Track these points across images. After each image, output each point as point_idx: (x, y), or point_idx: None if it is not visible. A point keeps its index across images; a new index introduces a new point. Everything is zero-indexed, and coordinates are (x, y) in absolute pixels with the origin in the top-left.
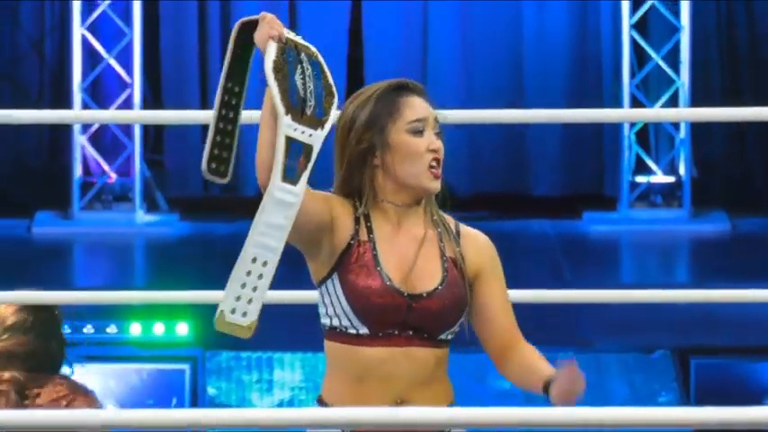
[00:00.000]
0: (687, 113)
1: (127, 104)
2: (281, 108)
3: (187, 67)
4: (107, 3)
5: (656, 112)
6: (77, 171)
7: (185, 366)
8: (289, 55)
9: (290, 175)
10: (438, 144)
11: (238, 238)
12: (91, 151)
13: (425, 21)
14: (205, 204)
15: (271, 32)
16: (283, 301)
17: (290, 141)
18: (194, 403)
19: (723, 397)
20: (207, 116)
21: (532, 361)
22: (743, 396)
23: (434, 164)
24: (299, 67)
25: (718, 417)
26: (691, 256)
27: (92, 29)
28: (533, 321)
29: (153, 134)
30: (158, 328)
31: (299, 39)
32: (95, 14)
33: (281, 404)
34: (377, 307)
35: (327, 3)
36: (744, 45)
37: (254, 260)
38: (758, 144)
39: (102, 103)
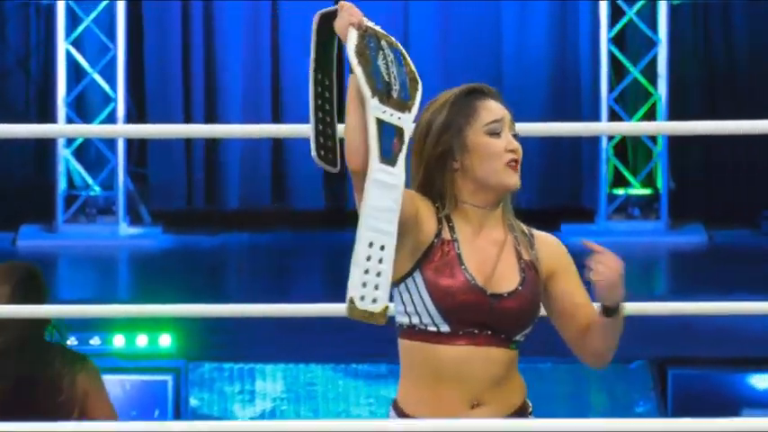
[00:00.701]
0: (665, 127)
1: (111, 119)
2: (367, 91)
3: (171, 82)
4: (91, 18)
5: (633, 126)
6: (62, 184)
7: (168, 378)
8: (370, 41)
9: (387, 156)
10: (516, 144)
11: (221, 251)
12: (75, 165)
13: (406, 34)
14: (188, 217)
15: (351, 20)
16: (266, 314)
17: (381, 123)
18: (177, 414)
19: (700, 407)
20: (190, 130)
21: (594, 320)
22: (720, 407)
23: (513, 163)
24: (381, 53)
25: (695, 427)
26: (668, 267)
27: (76, 44)
28: None
29: (137, 148)
30: (141, 340)
31: (378, 27)
32: (80, 30)
33: (262, 415)
34: (460, 304)
35: (310, 3)
36: (720, 58)
37: (370, 245)
38: (735, 157)
39: (87, 118)
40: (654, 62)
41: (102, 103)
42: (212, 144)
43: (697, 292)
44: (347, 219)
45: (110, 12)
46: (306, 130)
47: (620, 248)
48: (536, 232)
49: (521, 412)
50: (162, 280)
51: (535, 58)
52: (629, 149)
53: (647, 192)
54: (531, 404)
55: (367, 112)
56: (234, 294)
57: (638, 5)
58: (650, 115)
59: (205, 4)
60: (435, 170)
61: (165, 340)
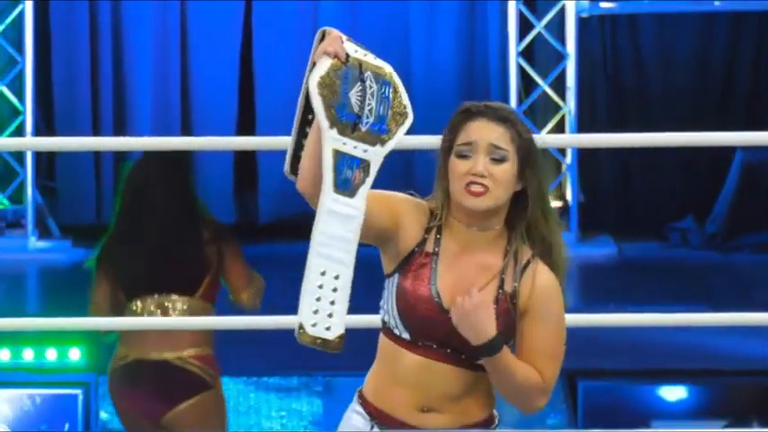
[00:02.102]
0: (573, 139)
1: (19, 131)
2: (324, 122)
3: (79, 94)
4: None
5: (542, 138)
6: None
7: (78, 391)
8: (347, 72)
9: (345, 187)
10: (479, 169)
11: None
12: None
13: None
14: (98, 231)
15: (327, 49)
16: (174, 326)
17: (339, 154)
18: (87, 428)
19: (610, 419)
20: (98, 143)
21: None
22: (629, 419)
23: (472, 186)
24: (359, 84)
25: None
26: (578, 280)
27: None
28: None
29: (45, 161)
30: (51, 354)
31: (369, 58)
32: None
33: None
34: (419, 318)
35: (217, 14)
36: (628, 72)
37: (323, 273)
38: (643, 170)
39: None
40: (563, 75)
41: (11, 116)
42: (121, 157)
43: (607, 303)
44: (259, 232)
45: (18, 25)
46: (210, 143)
47: None
48: (535, 266)
49: (483, 424)
50: (71, 293)
51: (443, 71)
52: None
53: (556, 204)
54: (498, 415)
55: (323, 143)
56: None
57: (546, 19)
58: (559, 128)
59: (113, 17)
60: (438, 179)
61: (75, 354)
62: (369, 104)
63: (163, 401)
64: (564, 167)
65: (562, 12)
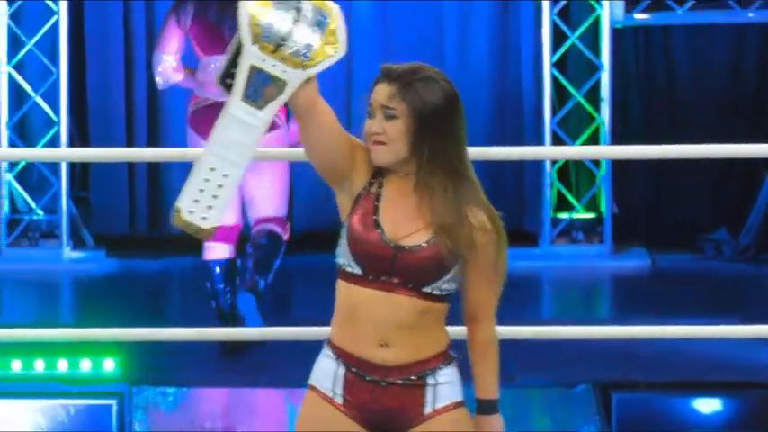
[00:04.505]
0: (608, 151)
1: (54, 142)
2: (246, 38)
3: (113, 106)
4: (33, 42)
5: (577, 150)
6: (4, 208)
7: (112, 401)
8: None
9: (253, 98)
10: (373, 128)
11: (165, 275)
12: (18, 189)
13: (350, 66)
14: (131, 241)
15: None
16: (210, 337)
17: (256, 69)
18: None
19: (644, 431)
20: (132, 154)
21: (477, 364)
22: (664, 430)
23: (374, 143)
24: (294, 11)
25: None
26: (612, 291)
27: (18, 68)
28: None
29: (79, 171)
30: (85, 365)
31: None
32: (22, 53)
33: None
34: (366, 251)
35: None
36: (662, 83)
37: (212, 169)
38: (676, 182)
39: (29, 141)
40: (597, 86)
41: (45, 127)
42: (155, 168)
43: (640, 315)
44: (290, 243)
45: (52, 35)
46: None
47: (564, 272)
48: (479, 207)
49: (437, 359)
50: (105, 304)
51: (477, 82)
52: (572, 173)
53: (590, 216)
54: (454, 356)
55: (242, 56)
56: (178, 318)
57: (580, 30)
58: (593, 139)
59: (148, 28)
60: None
61: (109, 365)
62: (299, 31)
63: None
64: (598, 179)
65: (596, 23)
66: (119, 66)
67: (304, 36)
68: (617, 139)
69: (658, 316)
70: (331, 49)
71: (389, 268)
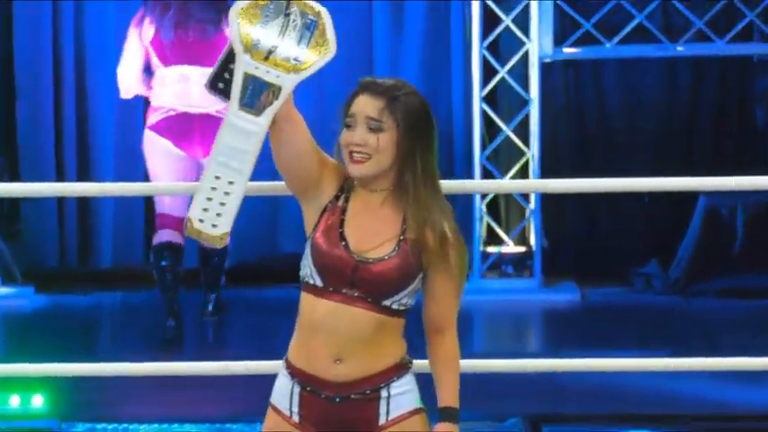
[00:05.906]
0: (537, 184)
1: None
2: (238, 46)
3: (43, 139)
4: None
5: (506, 184)
6: None
7: None
8: (269, 6)
9: (250, 106)
10: (356, 139)
11: (94, 310)
12: None
13: None
14: (61, 276)
15: None
16: (140, 372)
17: (250, 77)
18: None
19: None
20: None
21: (440, 374)
22: None
23: (354, 155)
24: (283, 17)
25: None
26: (542, 325)
27: None
28: None
29: (8, 206)
30: (14, 401)
31: None
32: None
33: None
34: (327, 263)
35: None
36: (592, 116)
37: (217, 177)
38: (607, 215)
39: None
40: (526, 120)
41: None
42: (84, 202)
43: (571, 349)
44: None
45: None
46: (179, 188)
47: (494, 306)
48: (434, 220)
49: (393, 370)
50: (34, 340)
51: None
52: (501, 207)
53: (520, 250)
54: (410, 364)
55: (236, 65)
56: (108, 353)
57: (510, 64)
58: (523, 173)
59: (77, 65)
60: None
61: (38, 401)
62: (289, 36)
63: None
64: (527, 213)
65: (525, 57)
66: (48, 100)
67: (294, 40)
68: (547, 172)
69: (588, 349)
70: (322, 51)
71: (351, 280)
